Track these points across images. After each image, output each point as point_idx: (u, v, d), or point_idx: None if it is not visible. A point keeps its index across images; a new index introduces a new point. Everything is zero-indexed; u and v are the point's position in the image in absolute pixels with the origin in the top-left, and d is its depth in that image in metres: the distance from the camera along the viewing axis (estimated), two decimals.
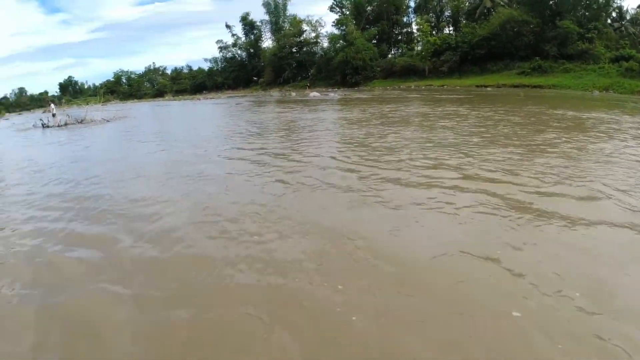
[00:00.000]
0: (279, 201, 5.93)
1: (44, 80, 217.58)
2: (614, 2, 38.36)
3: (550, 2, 39.17)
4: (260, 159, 9.11)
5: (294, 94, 47.45)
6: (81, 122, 24.64)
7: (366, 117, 16.19)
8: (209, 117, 25.37)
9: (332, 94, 40.88)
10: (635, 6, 47.97)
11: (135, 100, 79.53)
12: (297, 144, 10.92)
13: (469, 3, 48.82)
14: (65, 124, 23.75)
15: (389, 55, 53.23)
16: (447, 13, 52.05)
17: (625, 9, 41.41)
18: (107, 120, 25.24)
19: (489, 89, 34.08)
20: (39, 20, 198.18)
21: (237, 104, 35.78)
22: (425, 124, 13.90)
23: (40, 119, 24.52)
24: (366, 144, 10.16)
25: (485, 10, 45.05)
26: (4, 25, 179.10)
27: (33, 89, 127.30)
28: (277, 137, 12.62)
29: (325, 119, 17.24)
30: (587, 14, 37.64)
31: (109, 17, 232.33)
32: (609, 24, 40.20)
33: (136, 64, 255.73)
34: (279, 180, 7.11)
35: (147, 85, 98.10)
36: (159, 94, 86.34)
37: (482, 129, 11.79)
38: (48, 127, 23.40)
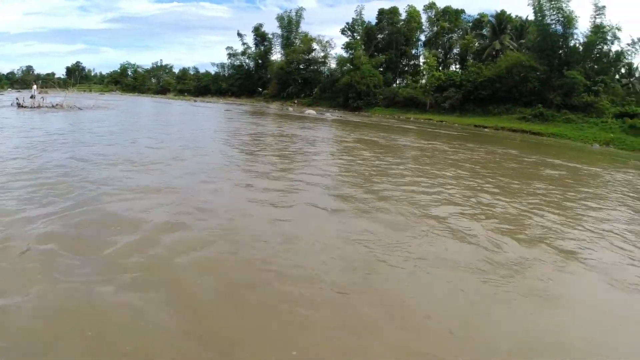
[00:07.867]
0: None
1: (54, 61, 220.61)
2: (624, 58, 37.42)
3: (560, 52, 38.50)
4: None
5: (291, 109, 47.45)
6: (54, 106, 24.21)
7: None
8: (176, 122, 24.22)
9: (327, 114, 40.44)
10: None
11: (138, 93, 79.35)
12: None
13: (479, 44, 48.53)
14: (39, 106, 23.59)
15: (394, 85, 52.85)
16: (455, 50, 51.93)
17: (635, 66, 40.51)
18: (80, 109, 24.56)
19: (486, 130, 32.98)
20: (56, 2, 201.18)
21: (226, 110, 34.77)
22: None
23: (17, 99, 24.84)
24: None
25: (494, 52, 44.59)
26: (17, 2, 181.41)
27: (41, 69, 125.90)
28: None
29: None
30: (595, 67, 36.76)
31: (127, 9, 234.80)
32: (617, 79, 39.33)
33: (147, 59, 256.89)
34: None
35: (153, 81, 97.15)
36: (161, 90, 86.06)
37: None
38: (23, 107, 23.26)
